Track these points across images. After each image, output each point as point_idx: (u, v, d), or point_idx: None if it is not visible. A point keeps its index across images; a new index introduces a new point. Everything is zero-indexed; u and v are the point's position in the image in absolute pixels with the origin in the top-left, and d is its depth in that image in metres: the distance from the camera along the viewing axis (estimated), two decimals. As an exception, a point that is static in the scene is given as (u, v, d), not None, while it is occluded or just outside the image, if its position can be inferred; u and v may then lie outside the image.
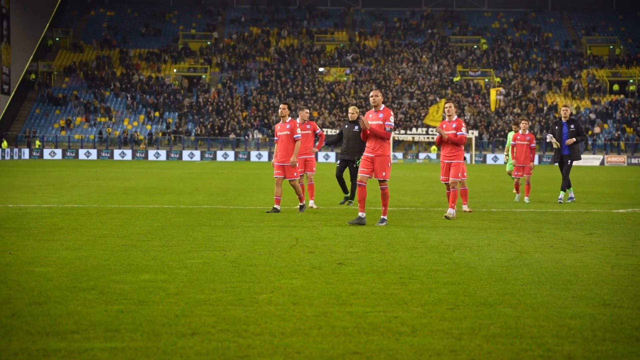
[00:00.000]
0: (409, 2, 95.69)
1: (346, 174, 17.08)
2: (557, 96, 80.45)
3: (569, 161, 18.71)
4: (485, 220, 14.23)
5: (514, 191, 20.14)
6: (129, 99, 79.44)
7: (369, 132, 12.89)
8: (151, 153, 71.14)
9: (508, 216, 15.22)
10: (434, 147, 71.68)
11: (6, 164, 52.15)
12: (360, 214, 12.93)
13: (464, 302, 6.74)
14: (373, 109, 13.13)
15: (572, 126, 18.63)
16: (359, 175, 13.13)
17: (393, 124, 13.06)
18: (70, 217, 13.81)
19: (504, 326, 5.93)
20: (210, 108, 77.62)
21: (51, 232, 11.42)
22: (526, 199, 19.12)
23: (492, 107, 75.48)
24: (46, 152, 71.04)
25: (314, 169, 16.78)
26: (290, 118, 15.58)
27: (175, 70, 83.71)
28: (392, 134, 69.84)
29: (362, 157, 13.37)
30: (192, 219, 13.75)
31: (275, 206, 15.29)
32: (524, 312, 6.39)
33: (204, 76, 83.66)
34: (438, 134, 15.06)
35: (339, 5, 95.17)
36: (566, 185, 18.85)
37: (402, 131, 71.72)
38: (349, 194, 17.34)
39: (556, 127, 18.90)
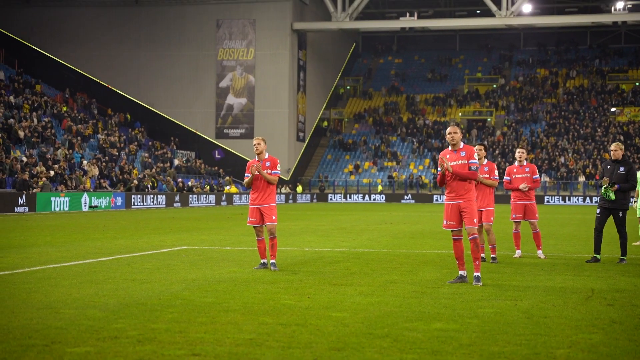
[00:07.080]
0: None
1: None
2: None
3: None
4: None
5: None
6: (415, 143, 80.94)
7: (450, 175, 11.09)
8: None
9: None
10: None
11: (300, 207, 55.00)
12: (461, 272, 11.24)
13: None
14: (450, 148, 11.26)
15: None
16: (451, 230, 11.16)
17: (478, 162, 11.26)
18: (362, 262, 14.21)
19: None
20: (497, 151, 77.00)
21: (345, 277, 11.81)
22: None
23: None
24: (338, 197, 74.03)
25: (536, 215, 15.50)
26: (486, 160, 14.63)
27: (460, 114, 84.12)
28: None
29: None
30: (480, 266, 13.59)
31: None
32: None
33: (489, 119, 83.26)
34: None
35: (634, 43, 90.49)
36: None
37: None
38: (625, 256, 14.37)
39: None
